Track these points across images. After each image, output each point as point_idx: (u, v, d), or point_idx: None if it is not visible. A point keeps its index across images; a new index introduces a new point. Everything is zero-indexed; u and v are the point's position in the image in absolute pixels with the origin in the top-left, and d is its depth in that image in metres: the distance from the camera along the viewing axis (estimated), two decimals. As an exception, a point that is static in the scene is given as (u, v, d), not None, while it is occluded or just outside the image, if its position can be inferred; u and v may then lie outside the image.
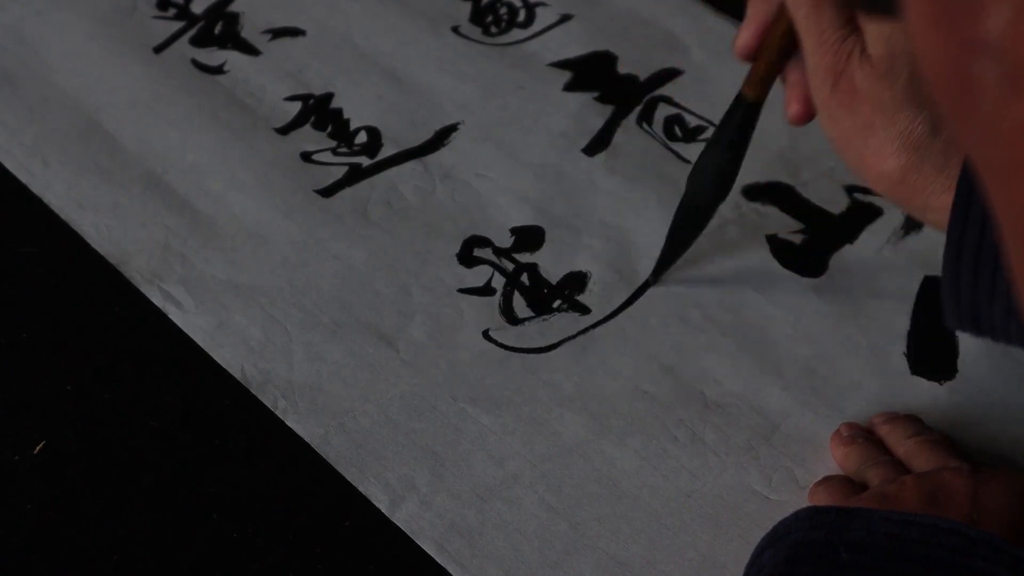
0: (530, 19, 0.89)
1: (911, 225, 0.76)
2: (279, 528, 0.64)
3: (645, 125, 0.82)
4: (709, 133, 0.81)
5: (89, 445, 0.67)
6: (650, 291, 0.73)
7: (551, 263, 0.75)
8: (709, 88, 0.84)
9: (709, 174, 0.68)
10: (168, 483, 0.65)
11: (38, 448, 0.66)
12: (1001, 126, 0.25)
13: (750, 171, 0.79)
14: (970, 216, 0.51)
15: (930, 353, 0.70)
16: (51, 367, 0.70)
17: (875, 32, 0.55)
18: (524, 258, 0.75)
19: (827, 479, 0.64)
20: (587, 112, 0.83)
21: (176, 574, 0.62)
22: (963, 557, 0.51)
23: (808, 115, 0.59)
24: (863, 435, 0.65)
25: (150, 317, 0.72)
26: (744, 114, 0.65)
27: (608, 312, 0.72)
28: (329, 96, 0.84)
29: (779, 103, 0.61)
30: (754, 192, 0.78)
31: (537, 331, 0.71)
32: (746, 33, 0.60)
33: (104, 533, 0.63)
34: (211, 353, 0.70)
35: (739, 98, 0.65)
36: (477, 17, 0.89)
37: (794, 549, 0.53)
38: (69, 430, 0.67)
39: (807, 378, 0.69)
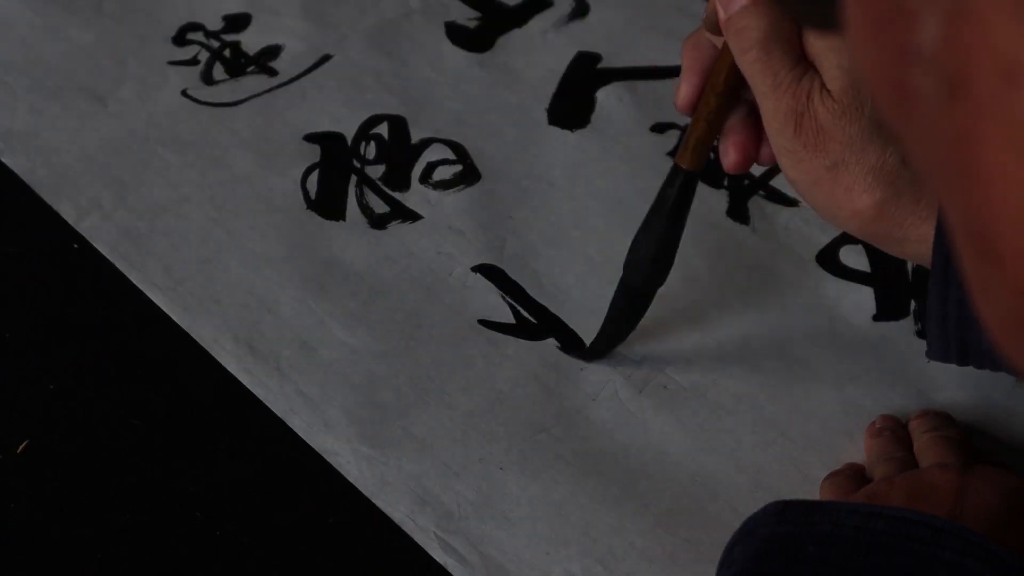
0: None
1: (576, 13, 0.87)
2: (263, 526, 0.63)
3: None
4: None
5: (72, 444, 0.66)
6: (334, 59, 0.84)
7: (253, 40, 0.86)
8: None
9: (648, 251, 0.63)
10: (152, 482, 0.65)
11: (21, 448, 0.66)
12: (941, 133, 0.24)
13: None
14: None
15: (567, 108, 0.81)
16: (34, 366, 0.70)
17: (832, 65, 0.53)
18: (230, 38, 0.86)
19: (835, 473, 0.63)
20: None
21: (160, 573, 0.62)
22: (931, 548, 0.50)
23: (747, 163, 0.58)
24: (892, 428, 0.64)
25: (133, 316, 0.72)
26: (682, 186, 0.61)
27: (293, 75, 0.83)
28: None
29: None
30: (440, -12, 0.89)
31: (229, 90, 0.83)
32: (686, 87, 0.58)
33: (88, 532, 0.63)
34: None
35: (675, 169, 0.61)
36: None
37: (763, 544, 0.53)
38: (52, 429, 0.67)
39: (455, 129, 0.80)
